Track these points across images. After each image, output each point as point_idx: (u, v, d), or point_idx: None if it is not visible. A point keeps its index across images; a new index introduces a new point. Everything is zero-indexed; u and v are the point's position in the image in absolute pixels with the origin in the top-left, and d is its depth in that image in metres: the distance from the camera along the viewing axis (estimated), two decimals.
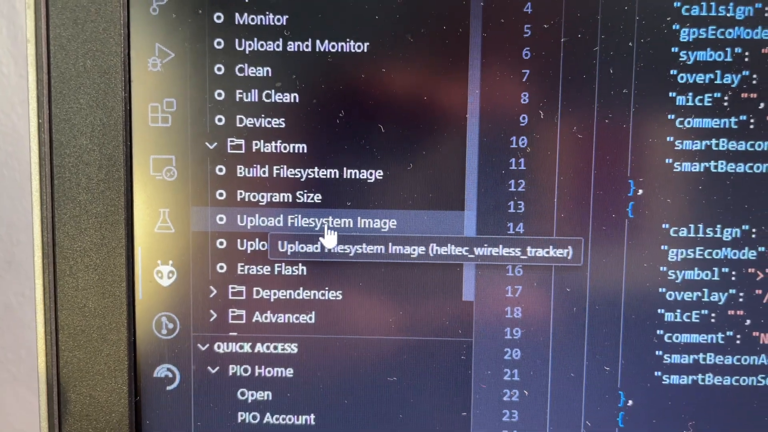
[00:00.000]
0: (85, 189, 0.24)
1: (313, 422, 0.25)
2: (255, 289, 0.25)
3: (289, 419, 0.25)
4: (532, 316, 0.25)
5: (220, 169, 0.24)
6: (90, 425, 0.25)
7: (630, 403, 0.25)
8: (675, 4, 0.23)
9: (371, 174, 0.24)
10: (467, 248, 0.24)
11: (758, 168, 0.24)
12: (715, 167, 0.24)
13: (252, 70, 0.24)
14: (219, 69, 0.24)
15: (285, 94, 0.24)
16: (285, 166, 0.24)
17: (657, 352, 0.25)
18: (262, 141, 0.24)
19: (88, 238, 0.24)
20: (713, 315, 0.24)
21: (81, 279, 0.24)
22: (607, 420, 0.25)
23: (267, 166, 0.24)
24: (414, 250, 0.24)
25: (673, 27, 0.23)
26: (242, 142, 0.24)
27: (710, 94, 0.24)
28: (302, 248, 0.25)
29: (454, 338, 0.25)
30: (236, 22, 0.23)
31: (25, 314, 0.42)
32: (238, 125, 0.24)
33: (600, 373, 0.25)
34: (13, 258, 0.41)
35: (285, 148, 0.24)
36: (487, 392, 0.25)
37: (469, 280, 0.24)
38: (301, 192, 0.24)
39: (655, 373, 0.25)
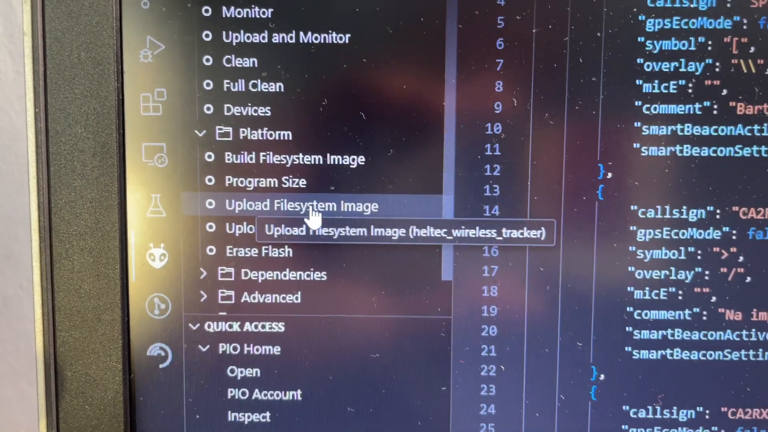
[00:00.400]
0: (80, 175, 0.25)
1: (299, 397, 0.26)
2: (243, 270, 0.26)
3: (277, 395, 0.26)
4: (507, 295, 0.26)
5: (209, 156, 0.25)
6: (86, 402, 0.26)
7: (602, 377, 0.26)
8: None
9: (353, 160, 0.25)
10: (445, 230, 0.25)
11: (721, 152, 0.25)
12: (681, 151, 0.25)
13: (239, 60, 0.25)
14: (207, 60, 0.25)
15: (270, 83, 0.25)
16: (271, 153, 0.25)
17: (627, 328, 0.26)
18: (249, 129, 0.25)
19: (83, 222, 0.25)
20: (680, 292, 0.26)
21: (76, 262, 0.25)
22: (580, 393, 0.26)
23: (254, 153, 0.25)
24: (395, 232, 0.26)
25: (639, 18, 0.24)
26: (230, 129, 0.25)
27: (675, 82, 0.25)
28: (288, 231, 0.26)
29: (434, 316, 0.26)
30: (223, 15, 0.25)
31: (23, 308, 0.42)
32: (225, 114, 0.25)
33: (573, 348, 0.26)
34: (12, 252, 0.42)
35: (271, 135, 0.25)
36: (466, 368, 0.26)
37: (447, 260, 0.26)
38: (287, 177, 0.25)
39: (626, 349, 0.26)
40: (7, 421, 0.42)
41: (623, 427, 0.26)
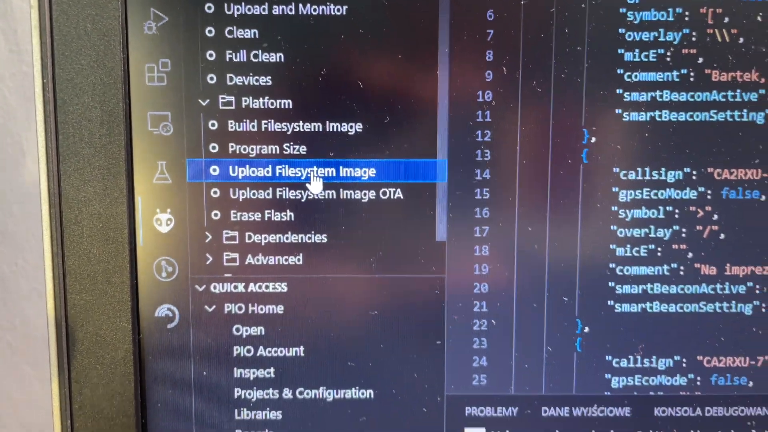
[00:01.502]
0: (88, 143, 0.26)
1: (302, 354, 0.28)
2: (247, 234, 0.27)
3: (281, 351, 0.28)
4: (498, 254, 0.27)
5: (213, 124, 0.26)
6: (97, 361, 0.27)
7: (587, 329, 0.28)
8: None
9: (351, 127, 0.27)
10: (439, 194, 0.27)
11: (698, 117, 0.27)
12: (660, 116, 0.27)
13: (240, 32, 0.26)
14: (210, 31, 0.26)
15: (271, 53, 0.26)
16: (272, 121, 0.27)
17: (610, 284, 0.27)
18: (250, 97, 0.26)
19: (91, 189, 0.26)
20: (659, 249, 0.27)
21: (86, 227, 0.26)
22: (566, 345, 0.28)
23: (256, 121, 0.26)
24: (391, 196, 0.27)
25: None
26: (232, 98, 0.26)
27: (655, 51, 0.26)
28: (289, 196, 0.27)
29: (429, 275, 0.27)
30: None
31: (18, 285, 0.43)
32: (228, 83, 0.26)
33: (559, 303, 0.27)
34: (7, 229, 0.42)
35: (272, 104, 0.26)
36: (459, 323, 0.27)
37: (441, 222, 0.27)
38: (288, 144, 0.27)
39: (608, 303, 0.27)
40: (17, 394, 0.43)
41: (606, 376, 0.28)
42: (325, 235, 0.27)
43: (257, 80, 0.26)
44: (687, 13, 0.26)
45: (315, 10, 0.26)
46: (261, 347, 0.28)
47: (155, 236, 0.27)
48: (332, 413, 0.28)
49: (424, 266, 0.27)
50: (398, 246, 0.27)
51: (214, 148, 0.27)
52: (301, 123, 0.27)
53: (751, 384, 0.28)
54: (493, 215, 0.27)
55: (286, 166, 0.27)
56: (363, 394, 0.28)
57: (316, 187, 0.27)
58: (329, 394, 0.28)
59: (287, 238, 0.27)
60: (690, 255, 0.27)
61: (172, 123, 0.26)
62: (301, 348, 0.28)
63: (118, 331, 0.27)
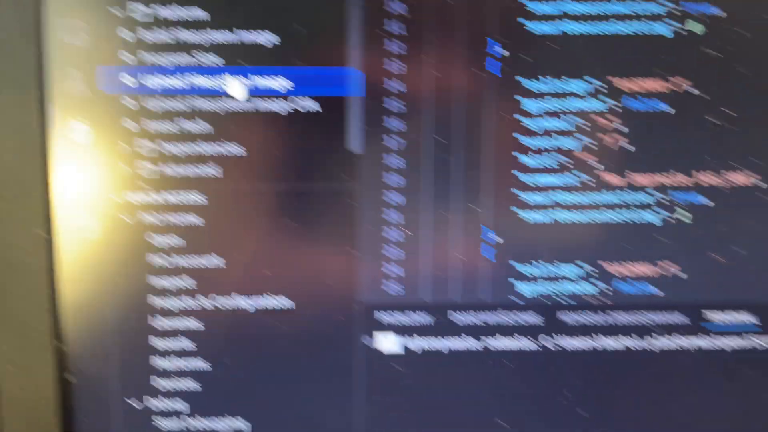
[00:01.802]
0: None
1: (221, 264, 0.28)
2: (163, 144, 0.28)
3: (199, 262, 0.28)
4: (411, 165, 0.28)
5: (126, 34, 0.27)
6: (10, 269, 0.28)
7: (496, 238, 0.28)
8: None
9: (266, 38, 0.27)
10: (351, 101, 0.27)
11: (605, 29, 0.27)
12: (568, 29, 0.27)
13: None
14: None
15: None
16: (186, 30, 0.27)
17: (518, 193, 0.28)
18: (164, 6, 0.27)
19: (3, 98, 0.26)
20: (566, 159, 0.28)
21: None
22: (476, 254, 0.28)
23: (170, 30, 0.27)
24: (308, 105, 0.27)
25: None
26: (146, 8, 0.27)
27: None
28: (205, 106, 0.27)
29: (341, 183, 0.28)
30: None
31: None
32: None
33: (469, 212, 0.28)
34: None
35: (186, 13, 0.27)
36: (371, 231, 0.28)
37: (354, 131, 0.28)
38: (203, 54, 0.27)
39: (517, 212, 0.28)
40: None
41: (515, 283, 0.29)
42: (242, 146, 0.28)
43: None
44: None
45: None
46: (178, 257, 0.28)
47: (69, 147, 0.27)
48: (251, 322, 0.29)
49: (336, 175, 0.28)
50: (312, 155, 0.28)
51: (127, 57, 0.27)
52: (215, 33, 0.27)
53: (655, 290, 0.29)
54: (406, 127, 0.28)
55: (201, 77, 0.27)
56: (278, 302, 0.29)
57: (235, 93, 0.27)
58: (247, 303, 0.29)
59: (204, 149, 0.28)
60: (596, 165, 0.28)
61: (85, 32, 0.27)
62: (220, 259, 0.28)
63: (34, 238, 0.27)
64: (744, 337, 0.29)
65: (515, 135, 0.28)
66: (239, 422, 0.29)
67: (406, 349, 0.29)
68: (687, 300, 0.29)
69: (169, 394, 0.29)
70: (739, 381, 0.29)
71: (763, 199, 0.28)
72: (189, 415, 0.29)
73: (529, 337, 0.29)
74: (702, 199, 0.28)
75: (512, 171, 0.28)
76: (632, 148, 0.28)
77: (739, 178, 0.28)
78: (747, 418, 0.29)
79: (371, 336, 0.29)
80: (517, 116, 0.28)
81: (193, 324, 0.29)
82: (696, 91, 0.27)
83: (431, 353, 0.29)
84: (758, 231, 0.28)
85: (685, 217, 0.28)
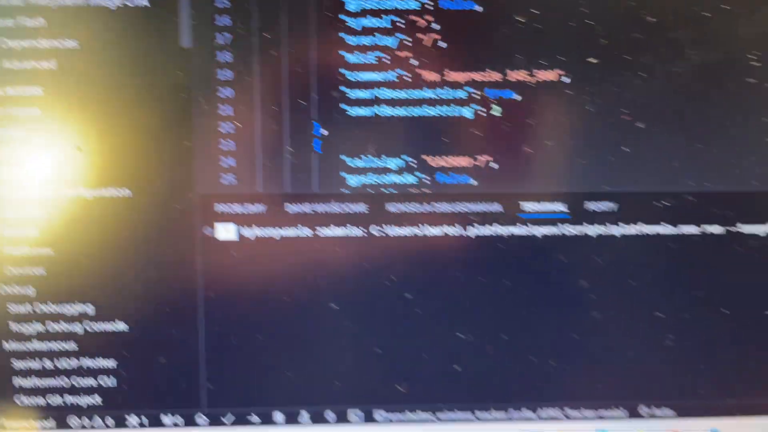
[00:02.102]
0: None
1: (56, 156, 0.30)
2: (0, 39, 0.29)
3: (35, 153, 0.30)
4: (240, 61, 0.30)
5: None
6: None
7: (324, 132, 0.30)
8: None
9: None
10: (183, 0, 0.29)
11: None
12: None
13: None
14: None
15: None
16: None
17: (342, 89, 0.30)
18: None
19: None
20: (386, 56, 0.30)
21: None
22: (305, 146, 0.30)
23: None
24: (136, 2, 0.29)
25: None
26: None
27: None
28: (41, 2, 0.29)
29: (176, 80, 0.29)
30: None
31: None
32: None
33: (297, 106, 0.30)
34: None
35: None
36: (206, 125, 0.30)
37: (184, 26, 0.29)
38: None
39: (342, 106, 0.30)
40: None
41: (343, 174, 0.31)
42: (76, 40, 0.29)
43: None
44: None
45: None
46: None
47: None
48: (90, 209, 0.30)
49: (171, 72, 0.29)
50: (146, 53, 0.29)
51: None
52: None
53: (472, 181, 0.31)
54: (234, 22, 0.29)
55: None
56: (119, 193, 0.30)
57: None
58: (86, 192, 0.30)
59: (41, 44, 0.29)
60: (413, 62, 0.30)
61: None
62: (55, 151, 0.30)
63: None
64: (555, 224, 0.31)
65: (340, 34, 0.30)
66: (85, 306, 0.31)
67: (242, 237, 0.31)
68: (502, 190, 0.31)
69: (15, 280, 0.31)
70: (549, 264, 0.32)
71: (565, 93, 0.30)
72: (36, 300, 0.31)
73: (356, 225, 0.31)
74: (511, 94, 0.30)
75: (339, 69, 0.30)
76: (447, 46, 0.30)
77: (547, 75, 0.30)
78: (556, 297, 0.32)
79: (211, 226, 0.31)
80: (341, 16, 0.29)
81: (36, 212, 0.30)
82: None
83: (265, 240, 0.31)
84: (564, 124, 0.30)
85: (497, 111, 0.30)
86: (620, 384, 0.33)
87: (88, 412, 0.32)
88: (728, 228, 0.32)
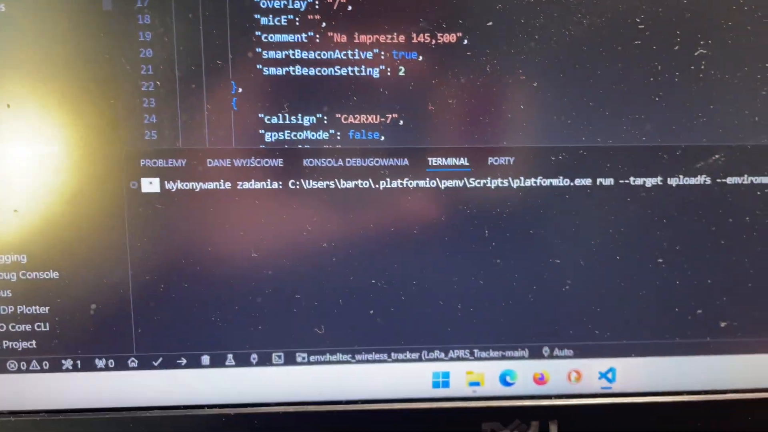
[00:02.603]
0: None
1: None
2: None
3: None
4: (157, 22, 0.31)
5: None
6: None
7: (240, 90, 0.32)
8: None
9: None
10: None
11: None
12: None
13: None
14: None
15: None
16: None
17: (257, 49, 0.32)
18: None
19: None
20: (297, 19, 0.32)
21: None
22: (223, 104, 0.32)
23: None
24: None
25: None
26: None
27: None
28: None
29: (100, 42, 0.31)
30: None
31: None
32: None
33: (215, 66, 0.32)
34: None
35: None
36: (129, 85, 0.32)
37: None
38: None
39: (258, 66, 0.32)
40: None
41: (260, 131, 0.33)
42: (2, 4, 0.31)
43: None
44: None
45: None
46: None
47: None
48: (21, 165, 0.32)
49: (94, 34, 0.31)
50: (68, 16, 0.31)
51: None
52: None
53: (382, 138, 0.33)
54: None
55: None
56: (49, 149, 0.32)
57: None
58: (18, 148, 0.32)
59: None
60: (323, 24, 0.32)
61: None
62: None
63: None
64: (459, 178, 0.34)
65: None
66: (19, 257, 0.33)
67: (165, 190, 0.33)
68: (409, 145, 0.33)
69: None
70: (455, 215, 0.34)
71: (465, 54, 0.32)
72: None
73: (272, 180, 0.33)
74: (415, 55, 0.32)
75: (253, 31, 0.32)
76: (354, 9, 0.32)
77: (448, 38, 0.32)
78: (462, 246, 0.34)
79: (136, 180, 0.33)
80: None
81: None
82: None
83: (186, 193, 0.33)
84: (463, 83, 0.33)
85: (402, 71, 0.33)
86: (524, 327, 0.36)
87: (25, 355, 0.34)
88: (620, 180, 0.34)
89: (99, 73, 0.32)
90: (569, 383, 0.37)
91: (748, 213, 0.35)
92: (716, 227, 0.35)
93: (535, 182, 0.34)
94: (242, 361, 0.35)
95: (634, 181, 0.34)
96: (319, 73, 0.33)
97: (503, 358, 0.36)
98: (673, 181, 0.34)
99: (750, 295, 0.36)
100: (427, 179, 0.34)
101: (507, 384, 0.37)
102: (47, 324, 0.34)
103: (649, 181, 0.34)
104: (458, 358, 0.36)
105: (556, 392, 0.37)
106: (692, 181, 0.34)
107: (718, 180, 0.35)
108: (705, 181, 0.35)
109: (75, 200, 0.33)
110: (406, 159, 0.34)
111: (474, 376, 0.36)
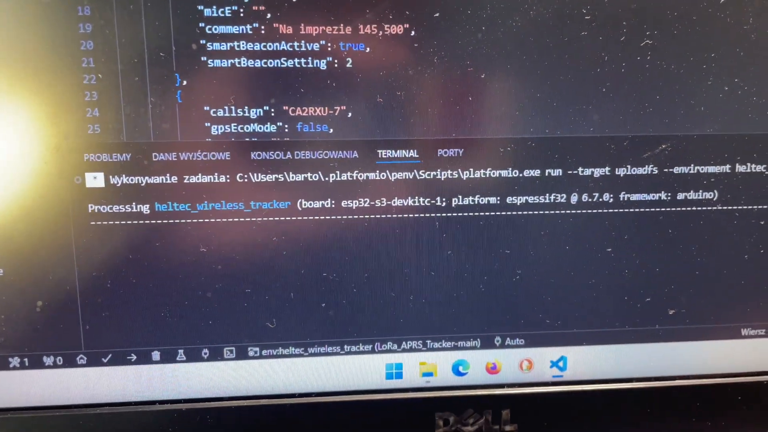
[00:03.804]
0: None
1: None
2: None
3: None
4: (98, 15, 0.31)
5: None
6: None
7: (185, 83, 0.32)
8: None
9: None
10: None
11: None
12: None
13: None
14: None
15: None
16: None
17: (202, 41, 0.32)
18: None
19: None
20: (241, 11, 0.31)
21: None
22: (168, 97, 0.32)
23: None
24: None
25: None
26: None
27: None
28: None
29: (38, 35, 0.31)
30: None
31: None
32: None
33: (157, 59, 0.31)
34: None
35: None
36: (69, 77, 0.31)
37: None
38: None
39: (202, 58, 0.32)
40: None
41: (206, 124, 0.32)
42: None
43: None
44: None
45: None
46: None
47: None
48: None
49: (34, 26, 0.31)
50: (6, 8, 0.30)
51: None
52: None
53: (331, 131, 0.33)
54: None
55: None
56: None
57: None
58: None
59: None
60: (269, 15, 0.32)
61: None
62: None
63: None
64: (408, 169, 0.34)
65: None
66: None
67: (110, 185, 0.32)
68: (358, 137, 0.33)
69: None
70: (404, 207, 0.34)
71: (413, 46, 0.32)
72: None
73: (219, 173, 0.33)
74: (362, 47, 0.32)
75: (196, 21, 0.31)
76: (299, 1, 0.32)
77: (393, 29, 0.32)
78: (413, 238, 0.34)
79: (80, 175, 0.32)
80: None
81: None
82: None
83: (132, 187, 0.33)
84: (410, 75, 0.33)
85: (349, 63, 0.32)
86: (475, 317, 0.36)
87: None
88: (568, 171, 0.34)
89: (39, 65, 0.31)
90: (521, 372, 0.37)
91: (695, 202, 0.35)
92: (663, 216, 0.35)
93: (485, 174, 0.34)
94: (193, 357, 0.35)
95: (582, 171, 0.35)
96: (266, 65, 0.32)
97: (455, 348, 0.36)
98: (621, 171, 0.35)
99: (697, 283, 0.36)
100: (377, 171, 0.34)
101: (460, 374, 0.37)
102: None
103: (597, 171, 0.35)
104: (411, 349, 0.36)
105: (508, 381, 0.37)
106: (640, 171, 0.35)
107: (665, 170, 0.35)
108: (652, 170, 0.35)
109: (17, 196, 0.32)
110: (355, 151, 0.33)
111: (427, 367, 0.37)
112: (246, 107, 0.32)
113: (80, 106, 0.32)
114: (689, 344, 0.37)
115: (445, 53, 0.33)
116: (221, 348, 0.35)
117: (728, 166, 0.35)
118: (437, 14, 0.32)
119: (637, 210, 0.35)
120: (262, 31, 0.32)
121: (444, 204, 0.34)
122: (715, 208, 0.36)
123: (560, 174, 0.34)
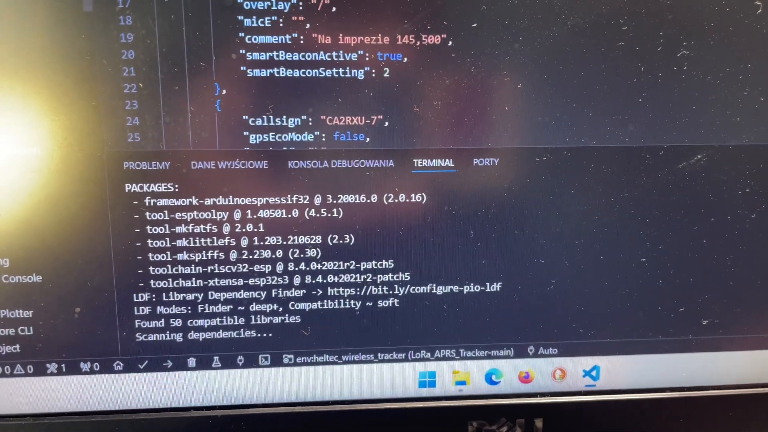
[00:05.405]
0: None
1: None
2: None
3: None
4: (139, 24, 0.31)
5: None
6: None
7: (224, 92, 0.32)
8: None
9: None
10: None
11: None
12: None
13: None
14: None
15: None
16: None
17: (241, 51, 0.32)
18: None
19: None
20: (281, 20, 0.32)
21: None
22: (207, 106, 0.32)
23: None
24: None
25: None
26: None
27: None
28: None
29: (80, 44, 0.31)
30: None
31: None
32: None
33: (197, 68, 0.32)
34: None
35: None
36: (110, 84, 0.31)
37: None
38: None
39: (242, 68, 0.32)
40: None
41: (245, 133, 0.33)
42: None
43: None
44: None
45: None
46: None
47: None
48: (2, 168, 0.32)
49: (76, 35, 0.31)
50: (49, 17, 0.31)
51: None
52: None
53: (367, 140, 0.33)
54: None
55: None
56: (29, 151, 0.32)
57: None
58: (2, 152, 0.32)
59: None
60: (307, 26, 0.32)
61: None
62: None
63: None
64: (444, 177, 0.34)
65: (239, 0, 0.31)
66: (0, 261, 0.33)
67: (154, 193, 0.33)
68: (395, 146, 0.33)
69: None
70: (438, 215, 0.34)
71: (450, 56, 0.32)
72: None
73: (257, 182, 0.33)
74: (399, 57, 0.32)
75: (237, 32, 0.32)
76: (338, 10, 0.32)
77: (432, 39, 0.32)
78: (447, 248, 0.35)
79: (119, 183, 0.33)
80: None
81: None
82: None
83: (171, 194, 0.33)
84: (448, 84, 0.33)
85: (387, 73, 0.32)
86: (509, 326, 0.36)
87: (9, 360, 0.34)
88: (603, 181, 0.34)
89: (80, 75, 0.31)
90: (554, 381, 0.37)
91: (730, 213, 0.35)
92: (698, 227, 0.35)
93: (520, 183, 0.34)
94: (228, 363, 0.35)
95: (617, 181, 0.35)
96: (304, 75, 0.32)
97: (489, 357, 0.36)
98: (656, 181, 0.35)
99: (731, 294, 0.36)
100: (414, 179, 0.34)
101: (492, 383, 0.37)
102: (31, 328, 0.34)
103: (633, 182, 0.35)
104: (444, 358, 0.36)
105: (541, 390, 0.37)
106: (675, 181, 0.35)
107: (700, 180, 0.35)
108: (688, 181, 0.35)
109: (58, 203, 0.32)
110: (391, 160, 0.34)
111: (460, 376, 0.37)
112: (284, 116, 0.33)
113: (121, 115, 0.32)
114: (723, 354, 0.37)
115: (482, 63, 0.33)
116: (256, 355, 0.35)
117: (764, 177, 0.35)
118: (475, 24, 0.32)
119: (671, 220, 0.35)
120: (301, 41, 0.32)
121: (479, 213, 0.34)
122: (749, 218, 0.35)
123: (595, 184, 0.34)
